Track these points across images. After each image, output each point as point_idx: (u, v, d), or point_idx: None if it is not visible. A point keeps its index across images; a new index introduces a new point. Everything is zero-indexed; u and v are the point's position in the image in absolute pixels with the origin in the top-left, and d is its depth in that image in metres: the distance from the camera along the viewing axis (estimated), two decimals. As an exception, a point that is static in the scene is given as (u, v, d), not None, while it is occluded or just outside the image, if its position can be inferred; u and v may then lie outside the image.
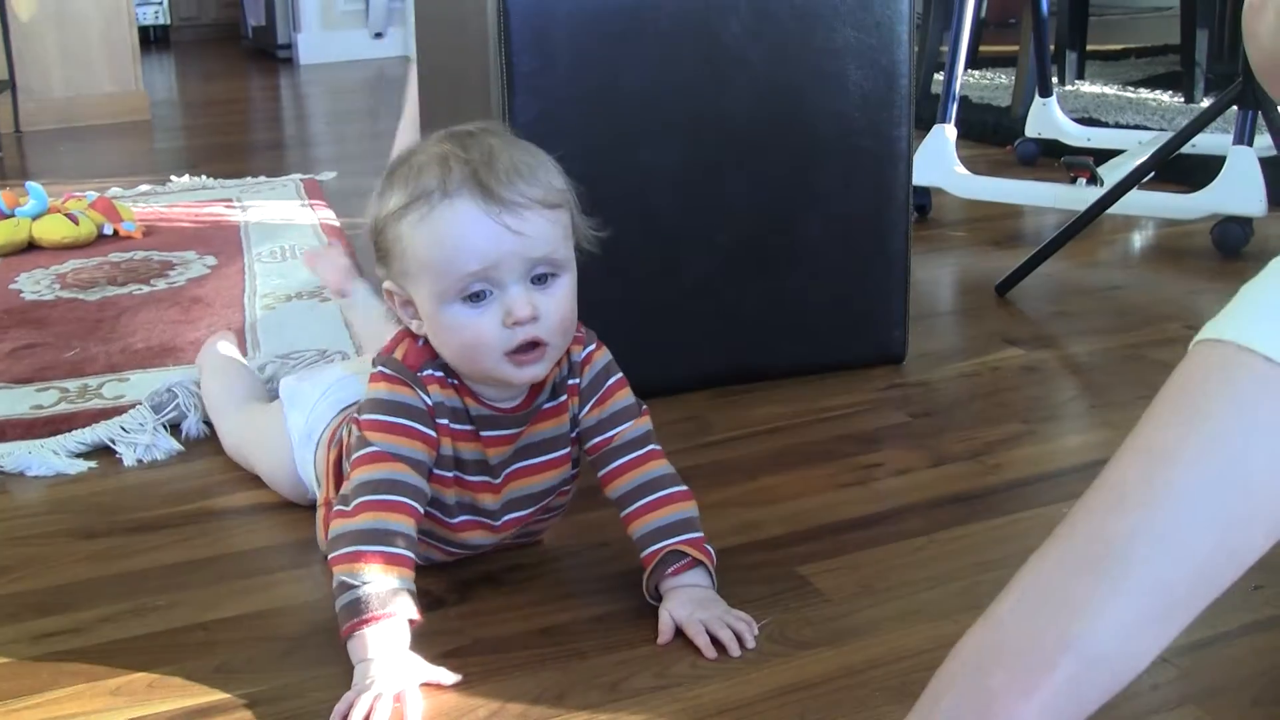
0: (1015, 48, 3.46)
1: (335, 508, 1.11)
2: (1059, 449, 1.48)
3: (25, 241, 2.50)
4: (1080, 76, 3.84)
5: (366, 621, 1.04)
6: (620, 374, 1.20)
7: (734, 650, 1.07)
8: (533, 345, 1.08)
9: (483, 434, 1.14)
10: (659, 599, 1.13)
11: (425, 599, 1.15)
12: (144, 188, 3.09)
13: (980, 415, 1.57)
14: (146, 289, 2.21)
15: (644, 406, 1.21)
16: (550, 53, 1.50)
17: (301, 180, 3.10)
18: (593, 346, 1.18)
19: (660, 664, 1.07)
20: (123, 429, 1.56)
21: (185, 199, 2.95)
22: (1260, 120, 2.04)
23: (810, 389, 1.65)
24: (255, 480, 1.44)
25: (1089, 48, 3.98)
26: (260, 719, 1.02)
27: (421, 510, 1.11)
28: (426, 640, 1.08)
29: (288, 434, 1.34)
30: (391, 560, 1.07)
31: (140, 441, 1.55)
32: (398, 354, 1.14)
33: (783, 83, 1.59)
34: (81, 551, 1.31)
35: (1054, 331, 1.87)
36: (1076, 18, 3.82)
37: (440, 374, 1.13)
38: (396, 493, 1.09)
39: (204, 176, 3.18)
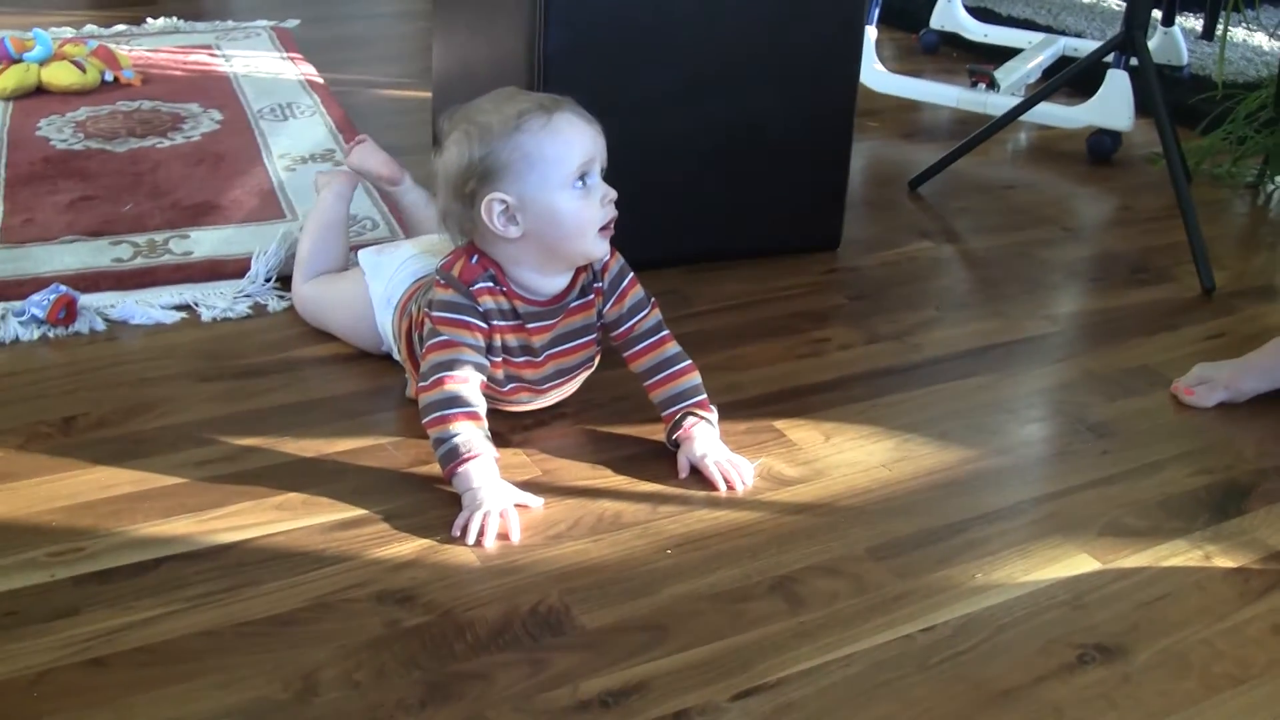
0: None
1: (419, 384, 1.47)
2: (964, 333, 1.88)
3: (34, 86, 2.72)
4: (977, -44, 4.18)
5: (464, 460, 1.41)
6: (631, 274, 1.55)
7: (738, 485, 1.48)
8: (608, 224, 1.46)
9: (529, 325, 1.50)
10: (676, 446, 1.53)
11: (495, 440, 1.52)
12: (120, 27, 3.30)
13: (902, 300, 1.98)
14: (167, 142, 2.47)
15: (653, 299, 1.57)
16: (579, -9, 1.82)
17: (272, 29, 3.33)
18: (609, 256, 1.53)
19: (684, 494, 1.46)
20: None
21: (165, 43, 3.18)
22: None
23: (766, 269, 2.04)
24: (327, 335, 1.77)
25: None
26: (397, 529, 1.38)
27: (484, 378, 1.47)
28: (507, 474, 1.46)
29: (369, 298, 1.68)
30: (470, 416, 1.43)
31: (219, 304, 1.86)
32: (455, 271, 1.48)
33: (763, 17, 1.93)
34: (204, 393, 1.64)
35: (957, 227, 2.28)
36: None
37: (490, 284, 1.47)
38: (463, 369, 1.45)
39: (175, 19, 3.39)
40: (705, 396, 1.55)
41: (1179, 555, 1.39)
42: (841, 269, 2.07)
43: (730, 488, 1.47)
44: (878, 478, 1.51)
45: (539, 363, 1.53)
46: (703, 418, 1.53)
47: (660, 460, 1.52)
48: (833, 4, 1.96)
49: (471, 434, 1.42)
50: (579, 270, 1.51)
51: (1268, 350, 1.71)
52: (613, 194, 1.45)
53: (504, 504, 1.39)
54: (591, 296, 1.53)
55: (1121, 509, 1.47)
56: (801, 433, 1.60)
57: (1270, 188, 2.51)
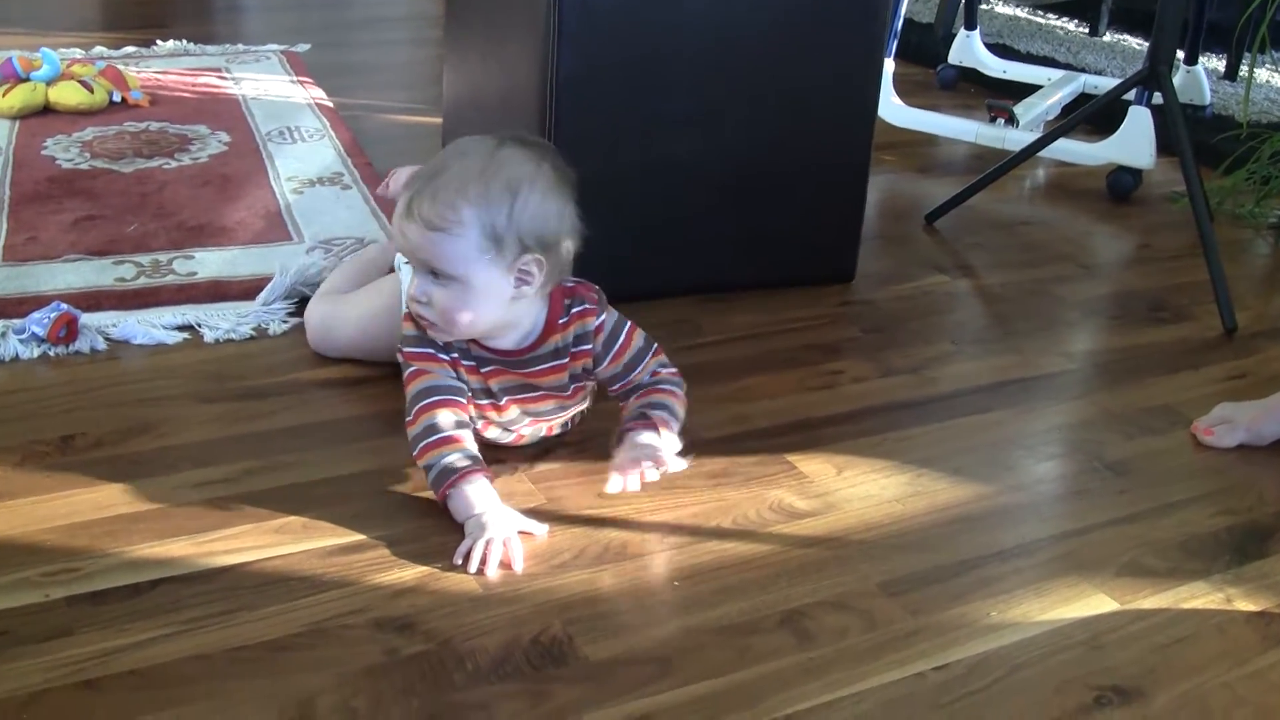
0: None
1: (406, 419, 1.43)
2: (980, 368, 1.85)
3: (41, 105, 2.71)
4: (995, -8, 4.18)
5: (455, 480, 1.38)
6: (629, 324, 1.50)
7: (632, 484, 1.43)
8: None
9: (482, 369, 1.46)
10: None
11: (500, 466, 1.49)
12: (129, 49, 3.29)
13: (917, 334, 1.95)
14: (174, 163, 2.45)
15: (655, 346, 1.51)
16: (593, 18, 1.80)
17: (282, 53, 3.32)
18: (603, 317, 1.46)
19: (692, 525, 1.43)
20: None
21: (174, 65, 3.17)
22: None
23: (778, 301, 2.01)
24: (331, 359, 1.74)
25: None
26: (398, 555, 1.35)
27: (465, 400, 1.44)
28: (512, 501, 1.42)
29: (398, 290, 1.63)
30: (455, 441, 1.40)
31: (222, 325, 1.83)
32: None
33: (781, 47, 1.91)
34: (205, 414, 1.61)
35: (973, 262, 2.25)
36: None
37: None
38: (440, 394, 1.42)
39: (185, 41, 3.38)
40: (670, 419, 1.47)
41: (1199, 597, 1.36)
42: (855, 301, 2.04)
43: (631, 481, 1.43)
44: (890, 512, 1.48)
45: (501, 406, 1.49)
46: (655, 421, 1.46)
47: (668, 490, 1.49)
48: (853, 36, 1.94)
49: (459, 456, 1.39)
50: (551, 332, 1.45)
51: (1290, 392, 1.68)
52: (412, 290, 1.41)
53: (507, 531, 1.36)
54: (566, 360, 1.47)
55: (1140, 549, 1.43)
56: (813, 465, 1.56)
57: (1292, 229, 2.48)
